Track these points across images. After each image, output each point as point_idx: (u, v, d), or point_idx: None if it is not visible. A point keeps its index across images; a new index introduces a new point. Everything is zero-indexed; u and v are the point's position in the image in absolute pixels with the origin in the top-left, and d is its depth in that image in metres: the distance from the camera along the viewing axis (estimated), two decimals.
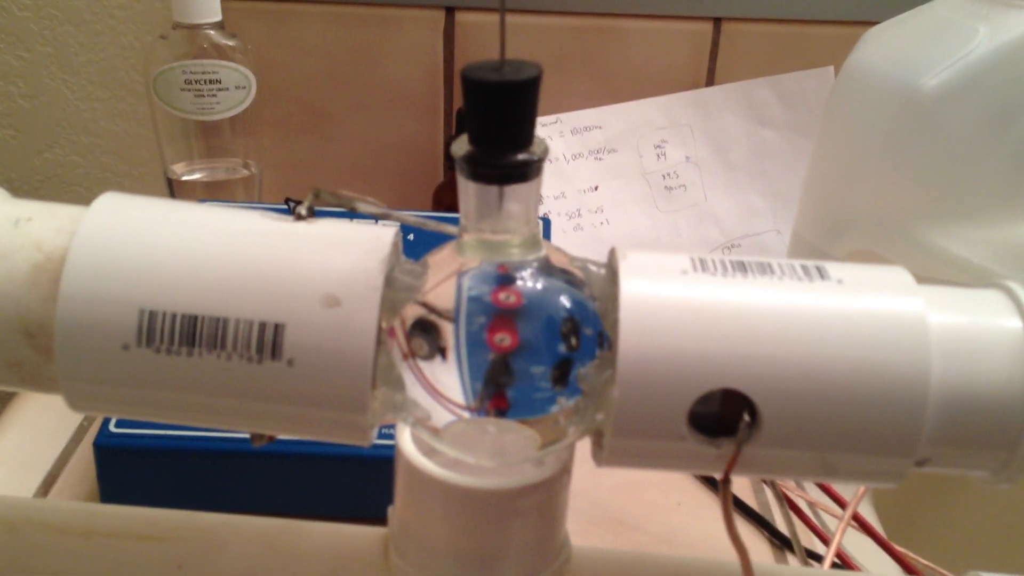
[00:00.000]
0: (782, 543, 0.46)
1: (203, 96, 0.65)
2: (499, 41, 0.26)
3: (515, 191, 0.26)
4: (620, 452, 0.27)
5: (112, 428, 0.46)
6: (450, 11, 0.70)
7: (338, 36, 0.71)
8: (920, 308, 0.26)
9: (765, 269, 0.27)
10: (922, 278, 0.52)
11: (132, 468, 0.46)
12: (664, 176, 0.69)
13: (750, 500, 0.51)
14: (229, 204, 0.57)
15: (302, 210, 0.29)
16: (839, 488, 0.45)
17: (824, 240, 0.55)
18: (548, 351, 0.25)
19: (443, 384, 0.25)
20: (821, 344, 0.26)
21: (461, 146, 0.26)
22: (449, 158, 0.67)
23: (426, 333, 0.25)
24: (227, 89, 0.65)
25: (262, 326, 0.26)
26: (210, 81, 0.65)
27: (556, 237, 0.65)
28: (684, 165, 0.69)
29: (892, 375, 0.26)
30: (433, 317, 0.25)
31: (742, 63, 0.70)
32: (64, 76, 0.73)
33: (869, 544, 0.45)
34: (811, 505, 0.46)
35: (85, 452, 0.53)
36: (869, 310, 0.26)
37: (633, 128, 0.69)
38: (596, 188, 0.68)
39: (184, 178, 0.68)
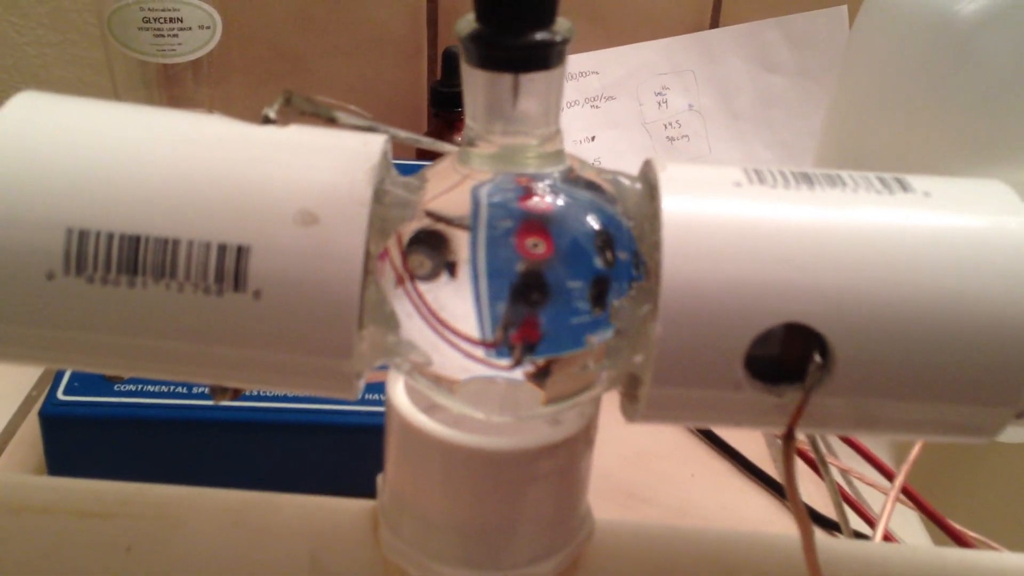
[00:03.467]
0: (816, 520, 0.41)
1: (163, 36, 0.59)
2: None
3: (534, 81, 0.22)
4: (660, 404, 0.22)
5: (60, 395, 0.41)
6: None
7: None
8: None
9: (835, 181, 0.23)
10: None
11: (83, 440, 0.41)
12: (666, 126, 0.64)
13: (767, 466, 0.46)
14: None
15: (270, 113, 0.24)
16: (874, 450, 0.41)
17: None
18: (586, 262, 0.20)
19: (451, 311, 0.20)
20: (907, 269, 0.21)
21: (466, 24, 0.22)
22: (436, 103, 0.61)
23: (429, 247, 0.20)
24: (189, 28, 0.60)
25: (222, 249, 0.21)
26: (171, 19, 0.59)
27: None
28: (687, 114, 0.64)
29: (994, 307, 0.21)
30: (440, 227, 0.20)
31: (749, 2, 0.65)
32: (12, 18, 0.67)
33: (909, 517, 0.40)
34: (844, 473, 0.41)
35: (33, 424, 0.48)
36: (965, 228, 0.22)
37: (632, 74, 0.64)
38: (593, 139, 0.63)
39: None
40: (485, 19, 0.21)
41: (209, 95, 0.63)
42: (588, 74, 0.64)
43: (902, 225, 0.22)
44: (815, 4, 0.65)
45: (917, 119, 0.49)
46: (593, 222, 0.21)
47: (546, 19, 0.21)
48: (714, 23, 0.66)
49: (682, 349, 0.21)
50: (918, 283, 0.21)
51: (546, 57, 0.22)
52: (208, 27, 0.60)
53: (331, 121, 0.28)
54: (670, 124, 0.64)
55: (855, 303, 0.21)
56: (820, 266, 0.21)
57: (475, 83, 0.22)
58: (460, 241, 0.20)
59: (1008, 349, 0.21)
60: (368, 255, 0.21)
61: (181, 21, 0.59)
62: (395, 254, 0.21)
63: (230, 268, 0.21)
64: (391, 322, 0.21)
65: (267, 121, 0.23)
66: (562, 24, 0.22)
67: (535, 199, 0.20)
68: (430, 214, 0.20)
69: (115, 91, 0.62)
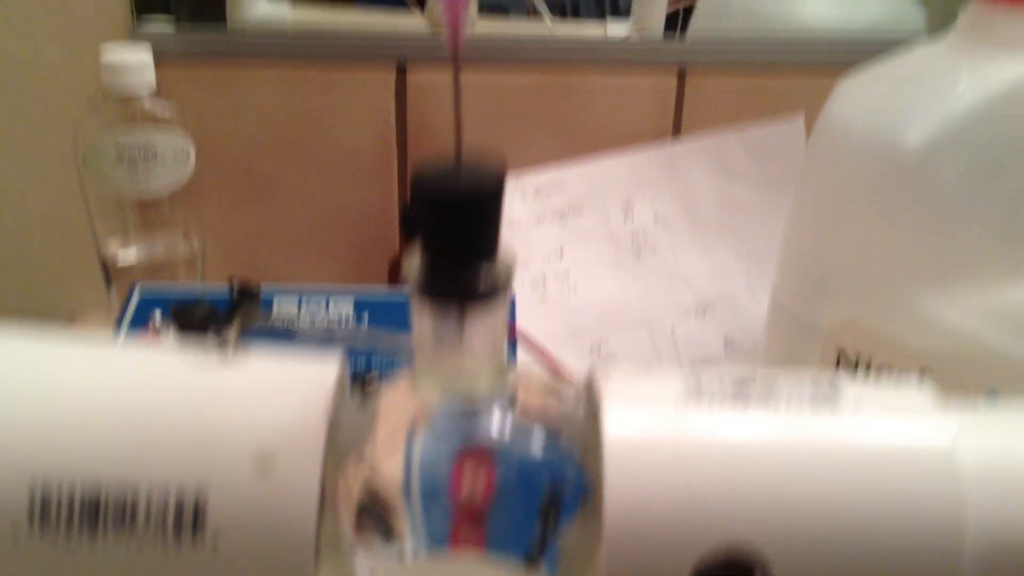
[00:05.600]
0: None
1: (138, 170, 0.61)
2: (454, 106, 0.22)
3: (478, 313, 0.23)
4: None
5: None
6: (401, 71, 0.66)
7: (282, 100, 0.67)
8: (949, 439, 0.23)
9: (770, 394, 0.24)
10: (916, 350, 0.49)
11: None
12: (632, 237, 0.66)
13: None
14: (163, 287, 0.52)
15: (228, 344, 0.25)
16: None
17: (806, 308, 0.52)
18: (523, 541, 0.21)
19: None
20: (840, 489, 0.22)
21: (414, 263, 0.23)
22: (407, 223, 0.63)
23: (375, 517, 0.21)
24: (165, 162, 0.61)
25: (180, 496, 0.21)
26: (145, 154, 0.61)
27: (522, 312, 0.61)
28: (652, 225, 0.66)
29: (922, 521, 0.22)
30: (383, 496, 0.21)
31: (708, 114, 0.67)
32: None
33: None
34: None
35: None
36: (891, 446, 0.23)
37: (598, 187, 0.66)
38: (561, 253, 0.64)
39: (120, 264, 0.63)
40: (431, 259, 0.22)
41: (184, 219, 0.65)
42: (554, 189, 0.65)
43: (833, 445, 0.23)
44: (772, 113, 0.67)
45: (872, 241, 0.50)
46: (538, 490, 0.22)
47: (489, 256, 0.23)
48: (675, 133, 0.68)
49: (627, 574, 0.22)
50: (850, 501, 0.22)
51: (492, 288, 0.23)
52: (183, 158, 0.61)
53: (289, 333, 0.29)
54: (636, 235, 0.66)
55: (793, 524, 0.22)
56: (758, 490, 0.22)
57: (422, 315, 0.23)
58: (401, 516, 0.21)
59: (936, 561, 0.22)
60: (323, 491, 0.22)
61: (156, 156, 0.61)
62: (345, 506, 0.21)
63: (188, 516, 0.21)
64: (348, 556, 0.22)
65: (224, 354, 0.24)
66: (504, 259, 0.23)
67: (472, 483, 0.21)
68: (373, 493, 0.21)
69: (90, 218, 0.64)
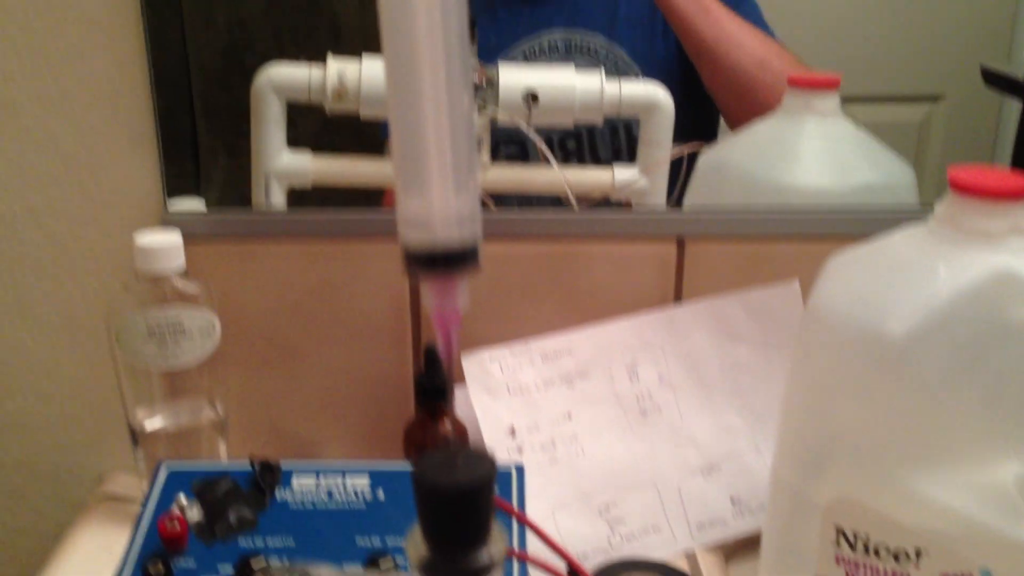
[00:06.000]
0: None
1: (167, 345, 0.64)
2: None
3: None
4: None
5: None
6: None
7: (302, 272, 0.71)
8: None
9: None
10: (911, 529, 0.50)
11: None
12: (638, 399, 0.68)
13: None
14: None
15: None
16: None
17: (804, 482, 0.54)
18: None
19: None
20: None
21: (416, 547, 0.25)
22: (420, 393, 0.66)
23: None
24: (192, 336, 0.65)
25: None
26: (174, 330, 0.64)
27: (531, 476, 0.63)
28: (658, 386, 0.68)
29: None
30: None
31: (707, 280, 0.70)
32: (26, 325, 0.72)
33: None
34: None
35: None
36: None
37: (604, 351, 0.68)
38: (569, 415, 0.67)
39: (148, 430, 0.66)
40: (432, 543, 0.25)
41: (209, 386, 0.68)
42: (562, 353, 0.68)
43: None
44: (768, 278, 0.70)
45: (862, 421, 0.52)
46: None
47: (483, 536, 0.25)
48: (677, 297, 0.71)
49: None
50: None
51: (486, 567, 0.25)
52: (209, 333, 0.65)
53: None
54: (642, 397, 0.68)
55: None
56: None
57: None
58: None
59: None
60: None
61: (184, 331, 0.64)
62: None
63: None
64: None
65: None
66: (496, 538, 0.25)
67: None
68: None
69: (120, 387, 0.67)
